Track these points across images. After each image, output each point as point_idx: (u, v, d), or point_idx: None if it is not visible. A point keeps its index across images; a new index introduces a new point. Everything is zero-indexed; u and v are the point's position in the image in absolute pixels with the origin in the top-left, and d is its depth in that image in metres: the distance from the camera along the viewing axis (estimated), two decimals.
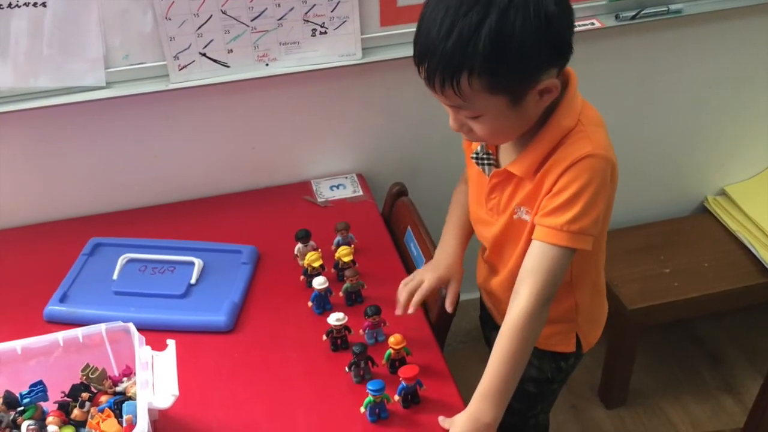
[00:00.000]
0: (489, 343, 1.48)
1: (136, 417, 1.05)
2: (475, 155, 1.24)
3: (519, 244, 1.22)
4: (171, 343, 1.12)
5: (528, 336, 1.14)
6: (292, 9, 1.53)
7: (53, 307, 1.41)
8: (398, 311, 1.32)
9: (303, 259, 1.53)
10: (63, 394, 1.15)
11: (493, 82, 1.01)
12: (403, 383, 1.22)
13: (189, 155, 1.70)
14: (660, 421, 2.01)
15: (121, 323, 1.15)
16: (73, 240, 1.59)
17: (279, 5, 1.51)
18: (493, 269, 1.35)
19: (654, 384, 2.10)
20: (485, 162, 1.22)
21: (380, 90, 1.73)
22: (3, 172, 1.61)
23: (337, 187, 1.79)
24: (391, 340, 1.28)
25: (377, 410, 1.21)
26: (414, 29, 1.61)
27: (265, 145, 1.75)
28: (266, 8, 1.51)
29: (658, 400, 2.06)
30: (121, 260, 1.50)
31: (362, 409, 1.21)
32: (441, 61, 1.00)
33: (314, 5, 1.53)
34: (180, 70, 1.53)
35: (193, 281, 1.47)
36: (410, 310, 1.32)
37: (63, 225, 1.67)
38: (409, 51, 1.62)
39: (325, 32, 1.56)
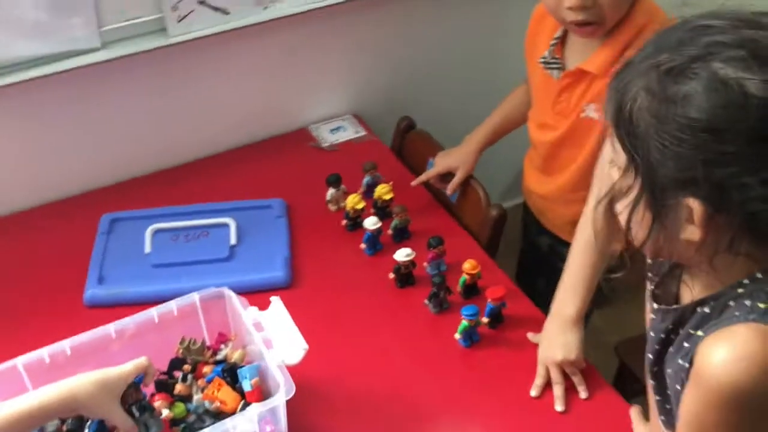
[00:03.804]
0: (535, 248, 1.53)
1: (265, 378, 1.02)
2: (543, 60, 1.27)
3: (583, 146, 1.26)
4: (275, 299, 1.08)
5: (604, 246, 1.18)
6: None
7: (95, 291, 1.31)
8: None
9: (336, 204, 1.51)
10: (160, 373, 1.09)
11: None
12: (491, 304, 1.24)
13: (186, 114, 1.61)
14: None
15: (214, 289, 1.10)
16: (81, 219, 1.48)
17: None
18: (546, 175, 1.38)
19: None
20: (553, 66, 1.25)
21: (372, 26, 1.69)
22: None
23: (337, 129, 1.75)
24: (466, 265, 1.29)
25: (470, 334, 1.23)
26: None
27: (260, 95, 1.67)
28: None
29: None
30: (150, 232, 1.41)
31: (457, 335, 1.23)
32: None
33: None
34: (179, 21, 1.42)
35: (233, 242, 1.41)
36: (412, 183, 1.53)
37: (65, 205, 1.54)
38: None
39: None
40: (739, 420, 0.72)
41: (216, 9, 1.45)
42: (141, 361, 1.00)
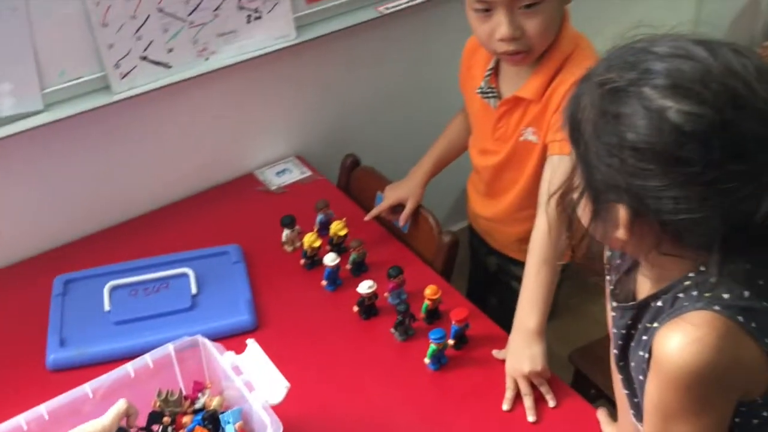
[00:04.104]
0: (484, 269, 1.59)
1: (249, 421, 1.03)
2: (480, 90, 1.35)
3: (524, 168, 1.34)
4: (251, 342, 1.10)
5: (557, 241, 1.25)
6: None
7: (57, 354, 1.29)
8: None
9: (291, 244, 1.53)
10: (139, 428, 1.08)
11: None
12: (455, 326, 1.29)
13: (133, 169, 1.61)
14: None
15: (188, 338, 1.10)
16: (34, 282, 1.46)
17: None
18: (490, 198, 1.46)
19: None
20: (490, 95, 1.33)
21: (311, 69, 1.74)
22: None
23: (283, 172, 1.78)
24: (428, 291, 1.34)
25: (438, 357, 1.27)
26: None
27: (206, 144, 1.69)
28: (201, 0, 1.46)
29: None
30: (107, 289, 1.40)
31: (426, 360, 1.27)
32: None
33: None
34: (122, 78, 1.44)
35: (194, 291, 1.41)
36: (365, 218, 1.56)
37: (15, 269, 1.51)
38: (337, 25, 1.68)
39: (260, 17, 1.55)
40: (698, 398, 0.79)
41: (158, 63, 1.47)
42: (120, 405, 0.99)
